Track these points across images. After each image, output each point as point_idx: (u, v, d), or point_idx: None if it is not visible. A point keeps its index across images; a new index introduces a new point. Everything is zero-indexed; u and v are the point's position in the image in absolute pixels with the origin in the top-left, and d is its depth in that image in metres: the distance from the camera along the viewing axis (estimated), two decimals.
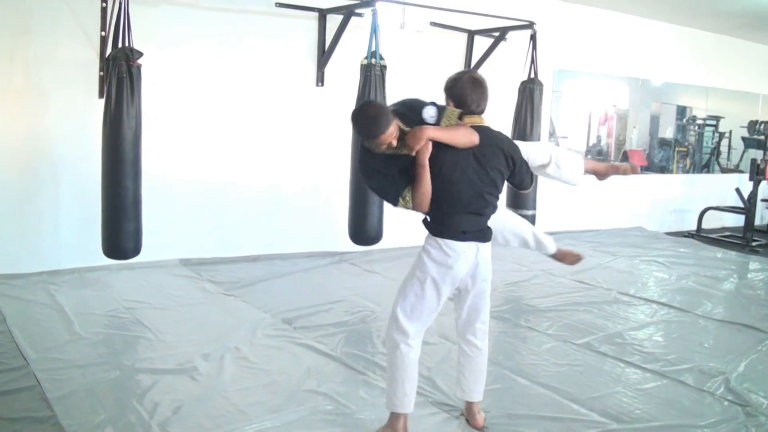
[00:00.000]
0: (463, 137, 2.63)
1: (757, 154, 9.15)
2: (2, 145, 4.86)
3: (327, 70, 6.06)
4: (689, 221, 8.94)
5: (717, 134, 9.68)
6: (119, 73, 4.08)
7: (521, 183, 2.94)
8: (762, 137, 9.28)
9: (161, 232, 5.24)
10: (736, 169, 9.87)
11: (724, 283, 5.96)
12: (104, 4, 4.85)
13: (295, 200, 6.09)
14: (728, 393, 3.45)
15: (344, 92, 5.61)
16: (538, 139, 6.17)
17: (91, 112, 4.85)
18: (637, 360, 3.87)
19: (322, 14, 5.93)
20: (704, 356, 4.00)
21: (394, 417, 2.78)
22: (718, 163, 9.85)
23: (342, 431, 2.91)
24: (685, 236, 8.51)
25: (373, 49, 4.87)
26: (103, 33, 4.87)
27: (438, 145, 2.61)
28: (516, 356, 3.91)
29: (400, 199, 2.65)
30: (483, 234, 2.77)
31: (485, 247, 2.79)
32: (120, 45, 4.17)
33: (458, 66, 6.87)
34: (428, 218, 2.75)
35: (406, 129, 2.61)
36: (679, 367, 3.77)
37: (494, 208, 2.83)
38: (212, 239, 5.76)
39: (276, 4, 5.64)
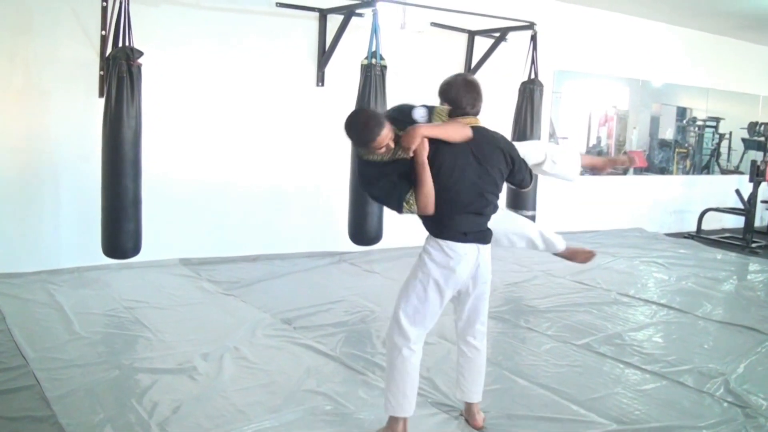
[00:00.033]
0: (457, 132, 2.66)
1: (757, 155, 9.15)
2: (2, 145, 4.86)
3: (327, 70, 6.06)
4: (689, 222, 8.94)
5: (717, 135, 9.69)
6: (119, 73, 4.08)
7: (522, 181, 2.94)
8: (762, 139, 9.29)
9: (161, 231, 5.24)
10: (736, 171, 9.87)
11: (724, 284, 5.96)
12: (104, 4, 4.85)
13: (295, 200, 6.09)
14: (728, 394, 3.45)
15: (344, 92, 5.61)
16: (539, 140, 6.17)
17: (91, 111, 4.85)
18: (637, 361, 3.87)
19: (323, 14, 5.94)
20: (704, 357, 4.00)
21: (394, 420, 2.78)
22: (718, 165, 9.85)
23: (341, 431, 2.91)
24: (684, 237, 8.51)
25: (374, 49, 4.87)
26: (103, 32, 4.88)
27: (435, 147, 2.62)
28: (515, 357, 3.91)
29: (404, 204, 2.62)
30: (484, 235, 2.77)
31: (486, 249, 2.79)
32: (120, 44, 4.17)
33: (459, 66, 6.88)
34: (429, 219, 2.74)
35: (400, 133, 2.62)
36: (679, 369, 3.77)
37: (495, 207, 2.83)
38: (212, 239, 5.76)
39: (276, 4, 5.64)
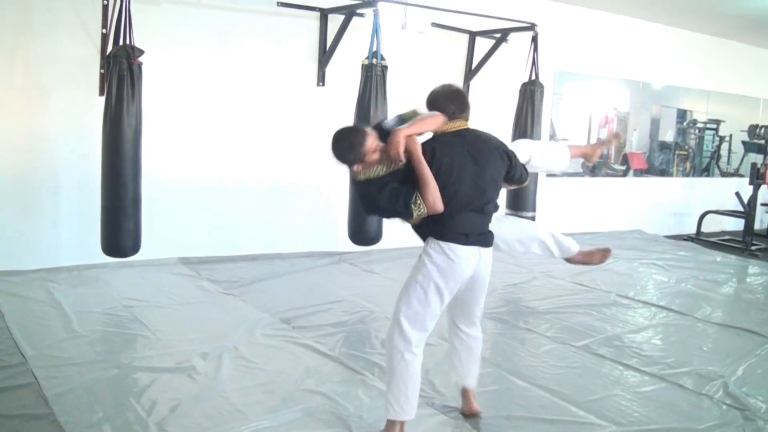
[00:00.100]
0: (433, 120, 2.72)
1: (757, 158, 9.15)
2: (2, 143, 4.86)
3: (328, 69, 6.06)
4: (689, 224, 8.94)
5: (717, 138, 9.69)
6: (120, 71, 4.08)
7: (521, 177, 2.98)
8: (762, 141, 9.29)
9: (161, 230, 5.24)
10: (736, 173, 9.88)
11: (724, 286, 5.97)
12: (105, 2, 4.84)
13: (295, 200, 6.09)
14: (727, 397, 3.45)
15: (345, 92, 5.61)
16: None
17: (91, 110, 4.85)
18: (636, 363, 3.87)
19: (324, 14, 5.93)
20: (703, 360, 3.99)
21: (391, 423, 2.77)
22: (718, 167, 9.85)
23: (340, 431, 2.91)
24: (684, 239, 8.51)
25: (375, 49, 4.87)
26: (104, 31, 4.87)
27: (432, 149, 2.66)
28: (514, 358, 3.90)
29: (412, 206, 2.58)
30: (485, 238, 2.77)
31: (488, 252, 2.79)
32: (121, 43, 4.17)
33: (459, 67, 6.88)
34: (429, 220, 2.71)
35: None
36: (678, 371, 3.77)
37: (495, 206, 2.84)
38: (212, 238, 5.76)
39: (278, 3, 5.64)
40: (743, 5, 7.29)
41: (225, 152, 5.74)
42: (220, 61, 5.60)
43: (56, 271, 5.01)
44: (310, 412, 3.04)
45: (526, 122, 6.06)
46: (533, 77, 6.13)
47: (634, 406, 3.29)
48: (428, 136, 2.80)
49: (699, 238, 8.47)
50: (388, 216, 2.80)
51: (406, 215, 2.63)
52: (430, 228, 2.72)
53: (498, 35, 6.57)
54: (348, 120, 5.04)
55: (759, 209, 8.50)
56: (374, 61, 4.87)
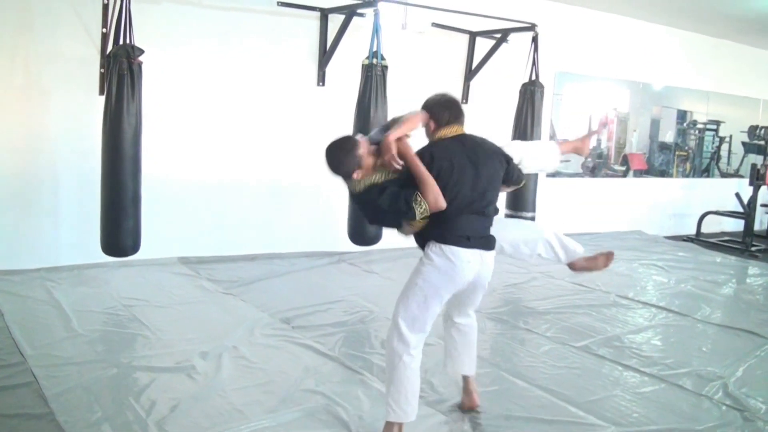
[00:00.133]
0: (413, 119, 2.78)
1: (757, 159, 9.15)
2: (2, 142, 4.86)
3: (328, 69, 6.06)
4: (689, 225, 8.94)
5: (717, 139, 9.69)
6: (120, 71, 4.08)
7: (518, 179, 3.01)
8: (762, 142, 9.29)
9: (160, 229, 5.24)
10: (736, 174, 9.88)
11: (723, 287, 5.97)
12: (105, 2, 4.84)
13: (295, 200, 6.08)
14: (726, 397, 3.45)
15: (345, 92, 5.61)
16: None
17: (91, 109, 4.84)
18: (636, 363, 3.87)
19: (324, 14, 5.93)
20: (702, 360, 3.99)
21: (389, 426, 2.77)
22: (718, 168, 9.85)
23: (339, 431, 2.90)
24: (684, 240, 8.51)
25: (375, 49, 4.87)
26: (104, 30, 4.87)
27: (431, 154, 2.69)
28: (514, 358, 3.90)
29: (414, 206, 2.58)
30: (487, 241, 2.77)
31: (490, 256, 2.79)
32: (121, 42, 4.17)
33: (460, 67, 6.88)
34: (431, 222, 2.71)
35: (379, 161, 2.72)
36: (678, 371, 3.77)
37: (496, 209, 2.85)
38: (211, 238, 5.76)
39: (278, 3, 5.64)
40: (743, 6, 7.29)
41: (225, 152, 5.74)
42: (220, 61, 5.60)
43: (56, 270, 5.01)
44: (310, 412, 3.04)
45: (526, 123, 6.05)
46: (533, 78, 6.13)
47: (634, 407, 3.29)
48: (425, 141, 2.85)
49: (699, 238, 8.47)
50: (392, 220, 2.77)
51: (409, 215, 2.62)
52: (431, 232, 2.72)
53: (498, 35, 6.57)
54: (348, 120, 5.05)
55: (759, 210, 8.50)
56: (374, 61, 4.87)
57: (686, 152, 9.48)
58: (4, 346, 3.59)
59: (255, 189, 5.91)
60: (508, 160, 2.90)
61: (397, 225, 2.79)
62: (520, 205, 6.02)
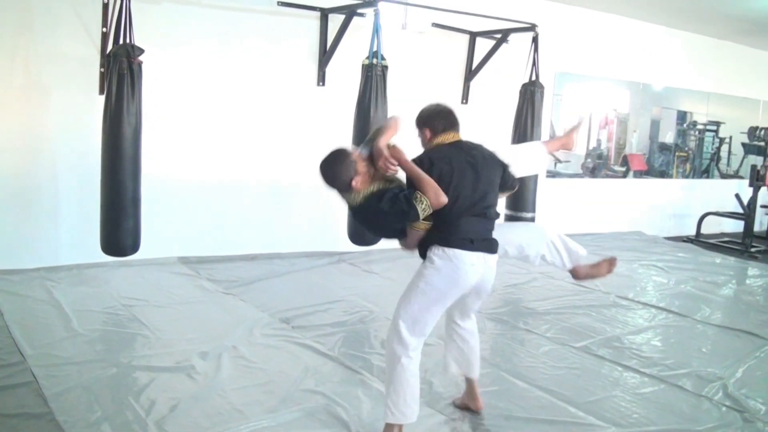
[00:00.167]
0: (394, 123, 2.83)
1: (757, 159, 9.15)
2: (2, 142, 4.85)
3: (328, 69, 6.06)
4: (688, 226, 8.94)
5: (717, 140, 9.69)
6: (120, 70, 4.08)
7: (513, 183, 3.01)
8: (762, 143, 9.29)
9: (160, 229, 5.23)
10: (736, 175, 9.88)
11: (723, 288, 5.96)
12: (105, 1, 4.83)
13: (295, 200, 6.08)
14: (726, 398, 3.45)
15: (345, 92, 5.61)
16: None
17: (91, 108, 4.84)
18: (635, 364, 3.87)
19: (324, 14, 5.93)
20: (702, 361, 3.99)
21: (389, 427, 2.76)
22: (718, 169, 9.85)
23: (339, 431, 2.90)
24: (684, 241, 8.51)
25: (375, 49, 4.87)
26: (104, 29, 4.86)
27: (430, 161, 2.70)
28: (514, 359, 3.90)
29: (415, 203, 2.57)
30: (490, 244, 2.77)
31: (493, 259, 2.79)
32: (121, 42, 4.17)
33: (460, 67, 6.88)
34: (434, 226, 2.71)
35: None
36: (677, 372, 3.77)
37: (496, 212, 2.85)
38: (211, 237, 5.76)
39: (278, 3, 5.63)
40: (743, 7, 7.29)
41: (225, 152, 5.73)
42: (221, 61, 5.59)
43: (56, 270, 5.01)
44: (310, 412, 3.04)
45: (526, 123, 6.05)
46: (533, 78, 6.12)
47: (634, 408, 3.29)
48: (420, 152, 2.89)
49: (699, 239, 8.47)
50: (395, 223, 2.73)
51: (411, 214, 2.60)
52: (433, 236, 2.71)
53: (498, 36, 6.57)
54: (348, 120, 5.05)
55: (759, 211, 8.50)
56: (374, 61, 4.87)
57: (686, 153, 9.48)
58: (4, 346, 3.58)
59: (255, 189, 5.91)
60: (503, 165, 2.92)
61: (401, 233, 2.77)
62: (520, 205, 6.02)
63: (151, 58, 4.48)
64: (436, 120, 2.89)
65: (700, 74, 9.06)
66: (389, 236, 2.90)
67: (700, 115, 9.52)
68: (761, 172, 8.05)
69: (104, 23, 4.85)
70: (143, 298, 4.55)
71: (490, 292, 2.93)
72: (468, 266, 2.67)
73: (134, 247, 4.34)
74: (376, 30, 4.88)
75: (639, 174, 8.96)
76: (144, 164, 4.30)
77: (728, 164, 9.95)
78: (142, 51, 4.16)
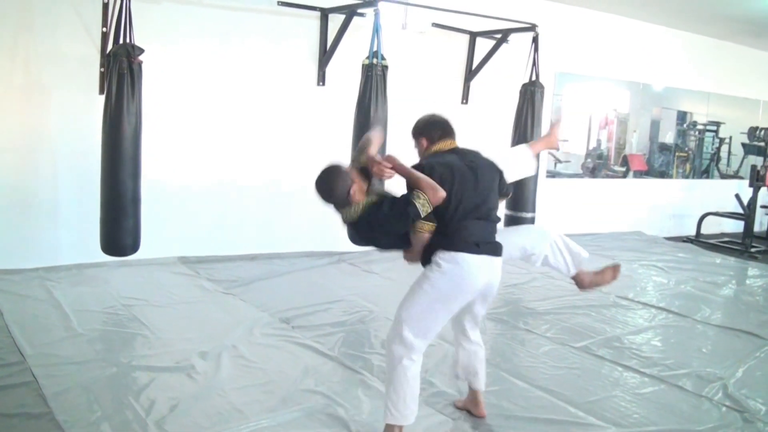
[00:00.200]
0: (377, 135, 3.00)
1: (757, 160, 9.15)
2: (2, 142, 4.85)
3: (328, 69, 6.05)
4: (688, 226, 8.94)
5: (717, 140, 9.69)
6: (120, 70, 4.07)
7: (507, 189, 3.03)
8: (762, 144, 9.29)
9: (160, 229, 5.23)
10: (736, 175, 9.88)
11: (723, 288, 5.96)
12: (105, 1, 4.83)
13: (295, 199, 6.07)
14: (726, 399, 3.45)
15: (345, 92, 5.61)
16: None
17: (91, 108, 4.84)
18: (635, 364, 3.87)
19: (324, 14, 5.93)
20: (702, 361, 3.99)
21: (390, 428, 2.76)
22: (718, 169, 9.85)
23: (339, 431, 2.90)
24: (684, 241, 8.51)
25: (375, 49, 4.87)
26: (104, 29, 4.86)
27: (430, 166, 2.70)
28: (514, 359, 3.90)
29: (415, 201, 2.57)
30: (495, 247, 2.76)
31: (499, 263, 2.77)
32: (121, 41, 4.16)
33: (460, 67, 6.88)
34: (438, 230, 2.69)
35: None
36: (677, 372, 3.77)
37: (497, 216, 2.85)
38: (211, 237, 5.75)
39: (278, 2, 5.63)
40: (743, 7, 7.29)
41: (225, 151, 5.73)
42: (221, 61, 5.59)
43: (55, 269, 5.00)
44: (309, 412, 3.04)
45: (526, 123, 6.04)
46: (533, 78, 6.12)
47: (634, 408, 3.29)
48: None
49: (699, 239, 8.47)
50: (397, 227, 2.69)
51: (412, 212, 2.59)
52: (438, 241, 2.69)
53: (498, 36, 6.56)
54: (348, 120, 5.05)
55: (759, 211, 8.50)
56: (375, 61, 4.87)
57: (686, 153, 9.48)
58: (4, 346, 3.58)
59: (255, 188, 5.90)
60: (500, 171, 2.93)
61: (405, 241, 2.75)
62: (520, 205, 6.01)
63: (151, 58, 4.48)
64: (432, 129, 2.92)
65: (700, 74, 9.06)
66: (393, 245, 2.86)
67: (700, 115, 9.52)
68: (761, 173, 8.05)
69: (104, 23, 4.85)
70: (143, 298, 4.55)
71: (494, 295, 2.91)
72: (475, 270, 2.66)
73: (134, 247, 4.34)
74: (377, 30, 4.88)
75: (639, 174, 8.96)
76: (144, 164, 4.30)
77: (728, 164, 9.95)
78: (142, 51, 4.16)
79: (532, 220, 6.09)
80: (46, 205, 5.05)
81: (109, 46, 4.39)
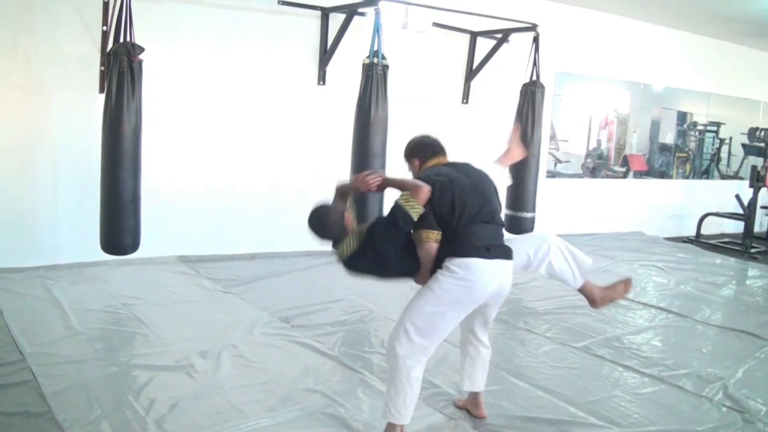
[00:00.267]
0: (355, 179, 3.03)
1: (757, 160, 9.15)
2: (3, 141, 4.85)
3: (329, 69, 6.05)
4: (688, 227, 8.94)
5: (717, 140, 9.69)
6: (120, 69, 4.07)
7: (499, 201, 2.99)
8: (762, 144, 9.29)
9: (160, 228, 5.23)
10: (736, 176, 9.88)
11: (723, 289, 5.96)
12: (106, 0, 4.83)
13: (295, 198, 6.06)
14: (726, 399, 3.45)
15: (346, 91, 5.61)
16: (539, 143, 6.15)
17: (91, 107, 4.84)
18: (636, 364, 3.87)
19: (325, 13, 5.93)
20: (702, 362, 3.99)
21: (391, 427, 2.76)
22: (718, 170, 9.85)
23: (338, 430, 2.90)
24: (684, 242, 8.51)
25: (376, 48, 4.86)
26: (104, 28, 4.85)
27: (428, 177, 2.72)
28: (514, 358, 3.90)
29: (403, 204, 2.58)
30: (506, 251, 2.74)
31: (510, 265, 2.75)
32: (121, 40, 4.16)
33: (460, 67, 6.88)
34: (447, 237, 2.67)
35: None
36: (677, 372, 3.77)
37: (502, 220, 2.85)
38: (211, 236, 5.75)
39: (279, 2, 5.63)
40: (743, 7, 7.29)
41: (225, 150, 5.73)
42: (221, 60, 5.59)
43: (55, 268, 5.00)
44: (309, 411, 3.03)
45: (526, 123, 6.02)
46: (534, 78, 6.11)
47: (634, 408, 3.29)
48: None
49: (699, 240, 8.47)
50: (398, 238, 2.64)
51: (401, 215, 2.58)
52: (448, 248, 2.67)
53: (499, 35, 6.56)
54: (348, 120, 5.04)
55: (759, 212, 8.50)
56: (375, 60, 4.86)
57: (686, 154, 9.48)
58: (3, 344, 3.58)
59: (255, 187, 5.90)
60: (492, 182, 2.93)
61: (412, 265, 2.72)
62: (520, 205, 6.01)
63: (152, 57, 4.47)
64: (423, 150, 2.96)
65: (701, 75, 9.05)
66: (400, 270, 2.78)
67: (701, 115, 9.51)
68: (761, 173, 8.05)
69: (104, 22, 4.84)
70: (143, 297, 4.55)
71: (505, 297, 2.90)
72: (486, 276, 2.63)
73: (134, 246, 4.33)
74: (377, 29, 4.88)
75: (639, 174, 8.96)
76: (144, 163, 4.29)
77: (728, 165, 9.95)
78: (142, 49, 4.15)
79: (532, 220, 6.09)
80: (46, 204, 5.04)
81: (110, 45, 4.38)
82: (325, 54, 5.99)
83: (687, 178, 9.51)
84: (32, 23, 4.82)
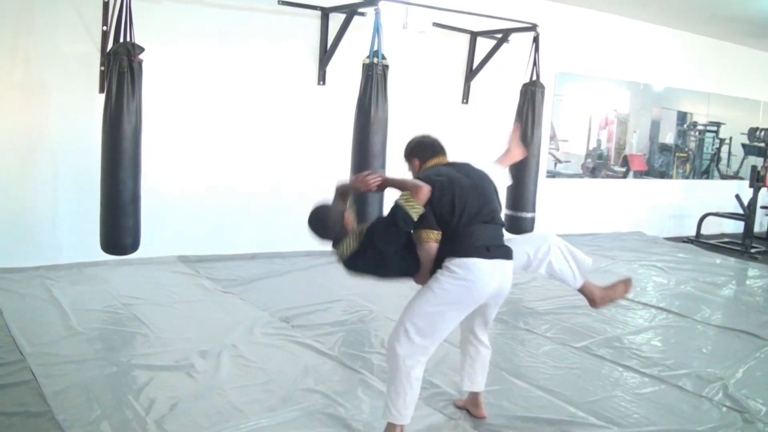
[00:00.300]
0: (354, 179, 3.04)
1: (757, 160, 9.15)
2: (2, 141, 4.85)
3: (329, 68, 6.05)
4: (688, 227, 8.94)
5: (717, 140, 9.69)
6: (120, 69, 4.06)
7: (499, 201, 3.00)
8: (762, 144, 9.29)
9: (160, 228, 5.23)
10: (736, 176, 9.88)
11: (723, 289, 5.96)
12: (106, 0, 4.84)
13: (295, 198, 6.06)
14: (726, 399, 3.45)
15: (346, 91, 5.61)
16: (539, 143, 6.15)
17: (91, 107, 4.84)
18: (635, 364, 3.87)
19: (325, 13, 5.93)
20: (702, 362, 3.99)
21: (391, 427, 2.76)
22: (718, 170, 9.85)
23: (338, 430, 2.90)
24: (684, 242, 8.51)
25: (376, 48, 4.86)
26: (104, 28, 4.85)
27: (428, 177, 2.72)
28: (514, 358, 3.90)
29: (402, 203, 2.58)
30: (506, 251, 2.74)
31: (510, 265, 2.75)
32: (121, 40, 4.16)
33: (460, 67, 6.88)
34: (447, 237, 2.67)
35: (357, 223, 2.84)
36: (677, 372, 3.77)
37: (502, 220, 2.85)
38: (211, 236, 5.75)
39: (279, 2, 5.63)
40: (743, 8, 7.29)
41: (225, 150, 5.73)
42: (221, 60, 5.59)
43: (55, 268, 5.00)
44: (309, 411, 3.03)
45: (526, 123, 6.02)
46: (534, 78, 6.11)
47: (634, 408, 3.29)
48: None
49: (699, 240, 8.47)
50: (399, 237, 2.64)
51: (401, 214, 2.58)
52: (448, 248, 2.67)
53: (499, 35, 6.56)
54: (348, 119, 5.04)
55: (759, 212, 8.50)
56: (375, 60, 4.86)
57: (686, 154, 9.48)
58: (3, 344, 3.58)
59: (255, 187, 5.90)
60: (492, 182, 2.93)
61: (412, 266, 2.72)
62: (520, 205, 6.01)
63: (152, 57, 4.47)
64: (423, 150, 2.95)
65: (701, 75, 9.05)
66: (400, 270, 2.78)
67: (701, 115, 9.51)
68: (761, 173, 8.05)
69: (104, 22, 4.84)
70: (143, 297, 4.55)
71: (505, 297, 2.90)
72: (487, 276, 2.63)
73: (134, 246, 4.33)
74: (377, 29, 4.88)
75: (639, 174, 8.96)
76: (144, 163, 4.29)
77: (728, 165, 9.95)
78: (142, 49, 4.15)
79: (532, 220, 6.08)
80: (46, 204, 5.04)
81: (110, 45, 4.38)
82: (325, 54, 5.99)
83: (687, 178, 9.51)
84: (32, 23, 4.82)
